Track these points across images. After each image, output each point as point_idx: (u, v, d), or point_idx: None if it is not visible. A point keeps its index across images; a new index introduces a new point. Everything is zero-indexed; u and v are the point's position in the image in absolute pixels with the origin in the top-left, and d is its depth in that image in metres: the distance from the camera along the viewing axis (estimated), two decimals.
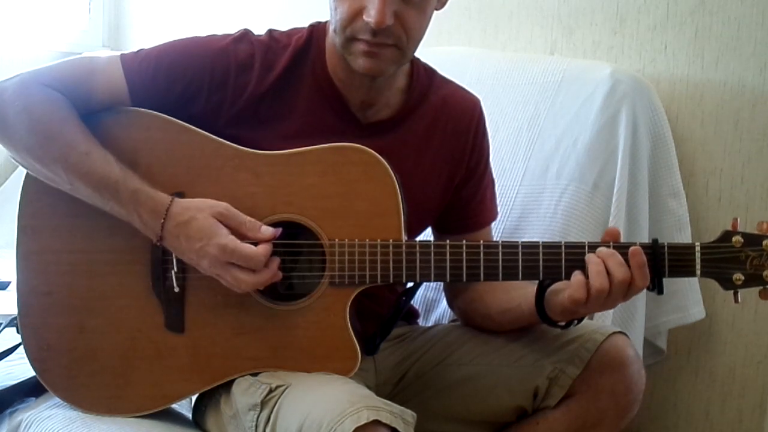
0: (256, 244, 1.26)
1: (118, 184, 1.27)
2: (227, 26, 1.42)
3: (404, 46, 1.32)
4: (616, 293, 1.23)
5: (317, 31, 1.41)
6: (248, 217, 1.27)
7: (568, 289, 1.25)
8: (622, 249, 1.24)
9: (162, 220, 1.26)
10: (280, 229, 1.28)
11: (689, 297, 1.82)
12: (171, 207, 1.27)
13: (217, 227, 1.25)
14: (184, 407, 1.46)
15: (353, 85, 1.38)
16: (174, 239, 1.27)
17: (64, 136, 1.29)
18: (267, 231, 1.27)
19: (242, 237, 1.26)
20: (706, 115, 1.87)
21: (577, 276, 1.24)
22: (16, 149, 1.32)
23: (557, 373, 1.38)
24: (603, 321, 1.66)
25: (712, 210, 1.87)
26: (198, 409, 1.42)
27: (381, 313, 1.44)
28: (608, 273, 1.23)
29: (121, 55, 1.37)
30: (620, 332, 1.39)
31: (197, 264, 1.27)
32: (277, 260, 1.28)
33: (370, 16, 1.26)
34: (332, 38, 1.34)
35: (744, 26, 1.81)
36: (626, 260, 1.23)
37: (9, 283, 1.85)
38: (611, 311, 1.68)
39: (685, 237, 1.81)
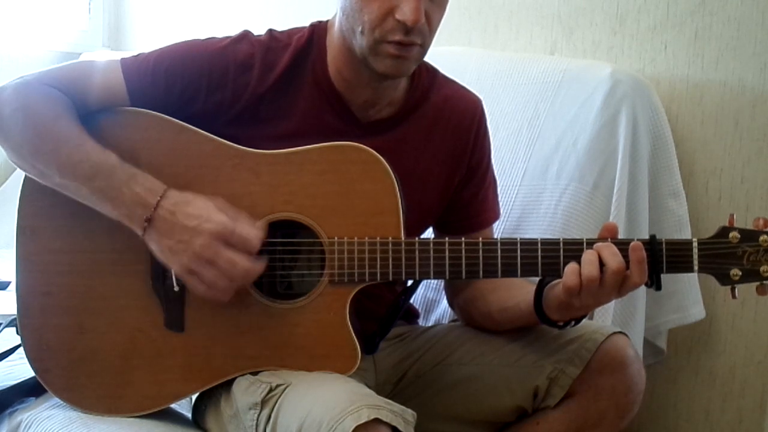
0: None
1: (115, 167, 1.26)
2: (228, 26, 1.42)
3: (427, 45, 1.33)
4: (610, 284, 1.23)
5: (318, 30, 1.41)
6: (242, 211, 1.27)
7: (562, 278, 1.25)
8: (620, 245, 1.24)
9: (158, 198, 1.25)
10: (263, 227, 1.27)
11: (689, 297, 1.82)
12: (169, 190, 1.26)
13: (218, 210, 1.25)
14: (184, 407, 1.46)
15: (360, 85, 1.38)
16: (167, 216, 1.24)
17: (57, 130, 1.29)
18: (261, 225, 1.27)
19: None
20: (706, 115, 1.87)
21: (571, 265, 1.24)
22: (11, 146, 1.32)
23: (557, 373, 1.38)
24: (603, 321, 1.66)
25: (712, 210, 1.87)
26: (198, 408, 1.42)
27: (380, 312, 1.44)
28: (602, 262, 1.23)
29: (121, 58, 1.37)
30: (620, 332, 1.39)
31: (186, 245, 1.23)
32: (265, 257, 1.27)
33: (405, 15, 1.26)
34: (347, 40, 1.33)
35: (744, 26, 1.81)
36: (624, 255, 1.23)
37: (9, 283, 1.85)
38: (611, 311, 1.68)
39: (684, 237, 1.81)
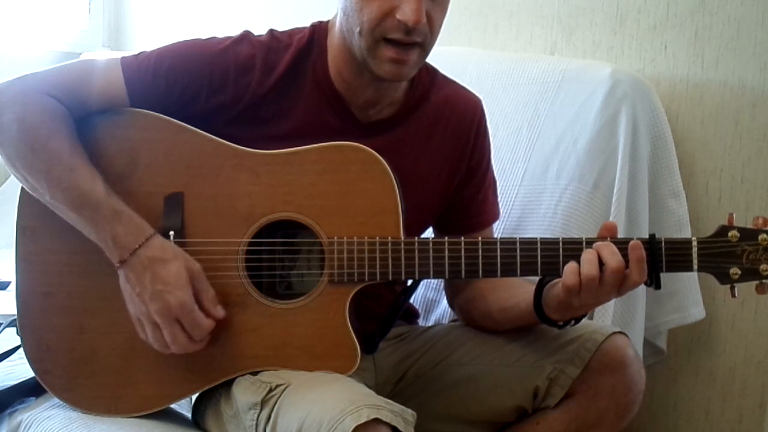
0: None
1: (101, 202, 1.27)
2: (228, 26, 1.42)
3: (428, 45, 1.33)
4: (609, 283, 1.23)
5: (319, 30, 1.41)
6: (211, 289, 1.28)
7: (562, 277, 1.25)
8: (620, 244, 1.24)
9: (138, 245, 1.26)
10: (224, 313, 1.29)
11: (689, 297, 1.82)
12: (153, 238, 1.27)
13: (188, 284, 1.25)
14: (184, 407, 1.46)
15: (360, 86, 1.37)
16: (140, 268, 1.26)
17: (50, 149, 1.29)
18: (220, 312, 1.28)
19: (198, 304, 1.26)
20: (706, 115, 1.87)
21: (570, 264, 1.24)
22: (6, 155, 1.32)
23: (557, 373, 1.37)
24: (603, 321, 1.66)
25: (712, 210, 1.87)
26: (198, 409, 1.42)
27: (380, 312, 1.44)
28: (601, 262, 1.23)
29: (122, 58, 1.37)
30: (620, 332, 1.39)
31: (143, 302, 1.26)
32: (206, 340, 1.29)
33: (406, 15, 1.25)
34: (347, 40, 1.33)
35: (744, 26, 1.81)
36: (623, 254, 1.23)
37: (9, 283, 1.85)
38: (611, 311, 1.68)
39: (684, 237, 1.81)
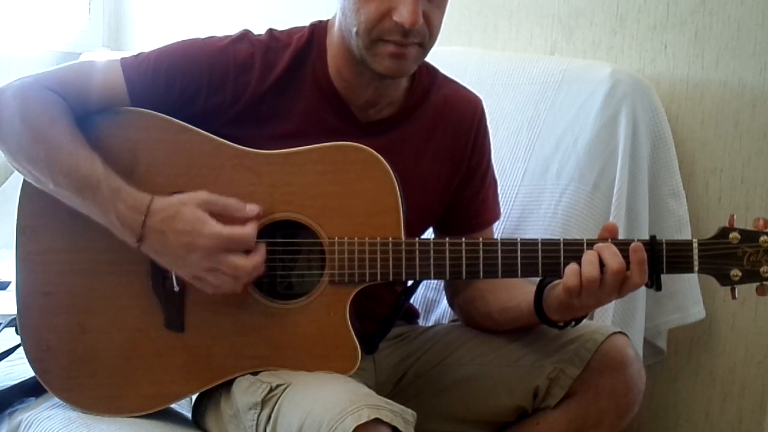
0: None
1: (100, 182, 1.26)
2: (228, 26, 1.42)
3: (427, 45, 1.33)
4: (610, 284, 1.23)
5: (318, 30, 1.41)
6: (231, 198, 1.26)
7: (563, 278, 1.25)
8: (620, 246, 1.24)
9: (143, 217, 1.24)
10: (262, 208, 1.27)
11: (689, 297, 1.82)
12: (152, 203, 1.25)
13: (205, 217, 1.24)
14: (184, 407, 1.46)
15: (360, 85, 1.37)
16: (158, 235, 1.24)
17: (51, 136, 1.29)
18: (253, 209, 1.27)
19: (229, 219, 1.25)
20: (706, 115, 1.87)
21: (571, 266, 1.24)
22: (8, 149, 1.32)
23: (557, 373, 1.38)
24: (603, 321, 1.66)
25: (712, 210, 1.87)
26: (198, 409, 1.42)
27: (380, 313, 1.44)
28: (602, 263, 1.23)
29: (122, 58, 1.37)
30: (620, 332, 1.39)
31: (184, 259, 1.24)
32: (262, 245, 1.27)
33: (403, 17, 1.25)
34: (346, 40, 1.33)
35: (744, 26, 1.81)
36: (624, 255, 1.23)
37: (9, 283, 1.85)
38: (611, 311, 1.68)
39: (684, 237, 1.81)
